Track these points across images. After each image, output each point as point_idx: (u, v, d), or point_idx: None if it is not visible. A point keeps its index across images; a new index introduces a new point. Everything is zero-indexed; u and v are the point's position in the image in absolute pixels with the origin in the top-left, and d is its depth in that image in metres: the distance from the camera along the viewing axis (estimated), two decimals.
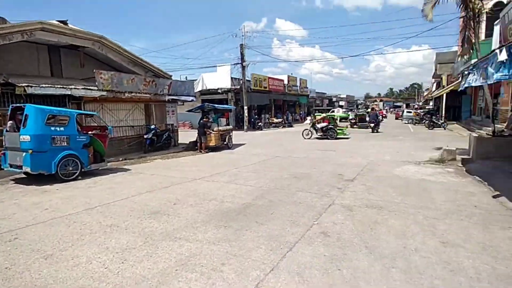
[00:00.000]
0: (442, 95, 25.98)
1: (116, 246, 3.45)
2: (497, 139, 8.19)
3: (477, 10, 12.03)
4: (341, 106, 47.55)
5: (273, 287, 2.61)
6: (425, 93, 55.63)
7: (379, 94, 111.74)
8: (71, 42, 9.91)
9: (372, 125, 18.91)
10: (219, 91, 24.12)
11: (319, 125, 15.66)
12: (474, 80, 6.05)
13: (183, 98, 13.57)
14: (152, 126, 12.03)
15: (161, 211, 4.66)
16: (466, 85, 6.78)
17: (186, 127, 24.60)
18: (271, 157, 9.96)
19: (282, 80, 30.52)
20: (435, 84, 37.88)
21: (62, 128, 6.94)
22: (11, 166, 6.86)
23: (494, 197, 5.07)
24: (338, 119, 24.91)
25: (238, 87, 23.40)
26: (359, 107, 55.26)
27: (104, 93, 9.87)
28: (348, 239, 3.52)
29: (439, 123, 20.08)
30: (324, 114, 18.11)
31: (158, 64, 14.53)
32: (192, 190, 5.97)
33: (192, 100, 14.59)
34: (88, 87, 9.51)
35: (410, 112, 29.43)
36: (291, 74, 33.89)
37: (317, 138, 15.50)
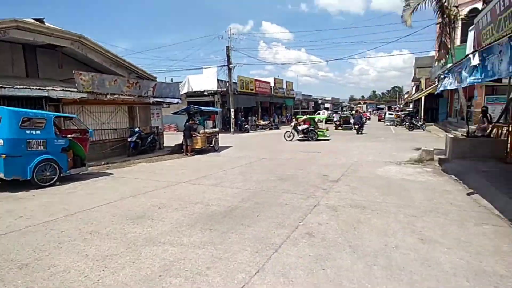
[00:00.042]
0: (421, 98, 27.03)
1: (96, 253, 3.35)
2: (471, 140, 8.61)
3: (452, 17, 12.67)
4: (326, 109, 48.52)
5: None
6: (406, 96, 57.66)
7: (362, 96, 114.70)
8: (48, 42, 9.55)
9: (356, 126, 19.38)
10: (205, 93, 23.96)
11: (300, 127, 15.86)
12: (449, 83, 6.35)
13: (168, 100, 13.37)
14: (136, 129, 11.76)
15: (145, 216, 4.56)
16: (442, 88, 7.10)
17: (171, 129, 24.24)
18: (258, 159, 9.98)
19: (269, 83, 30.72)
20: (414, 87, 39.40)
21: (38, 132, 6.66)
22: None
23: (468, 194, 5.32)
24: (324, 121, 25.39)
25: (225, 89, 23.35)
26: (344, 109, 56.47)
27: (85, 94, 9.57)
28: (332, 239, 3.59)
29: (419, 124, 20.86)
30: (305, 116, 18.38)
31: (142, 65, 14.25)
32: (177, 193, 5.88)
33: (177, 103, 14.40)
34: (67, 89, 9.19)
35: (392, 114, 30.42)
36: (278, 76, 34.24)
37: (299, 140, 15.68)
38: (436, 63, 17.25)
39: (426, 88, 25.64)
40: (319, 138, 15.45)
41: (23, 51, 9.87)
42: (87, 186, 6.76)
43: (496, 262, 2.96)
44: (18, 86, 8.01)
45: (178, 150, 12.24)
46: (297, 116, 24.50)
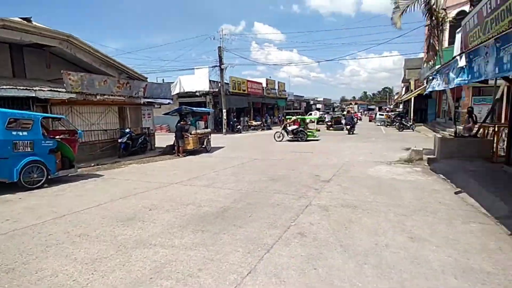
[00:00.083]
0: (411, 98, 27.54)
1: (85, 256, 3.28)
2: (458, 140, 8.81)
3: (440, 19, 12.96)
4: (318, 109, 48.90)
5: None
6: (396, 97, 58.62)
7: (354, 97, 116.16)
8: (35, 41, 9.33)
9: (348, 127, 19.58)
10: (197, 93, 23.84)
11: (290, 128, 15.94)
12: (437, 84, 6.48)
13: (159, 100, 13.24)
14: (127, 130, 11.59)
15: (136, 218, 4.50)
16: (430, 89, 7.25)
17: (163, 130, 24.00)
18: (250, 160, 9.98)
19: (261, 83, 30.77)
20: (404, 88, 40.11)
21: (25, 133, 6.50)
22: None
23: (456, 193, 5.44)
24: (315, 121, 25.58)
25: (217, 90, 23.27)
26: (336, 110, 57.07)
27: (73, 95, 9.38)
28: (324, 239, 3.61)
29: (408, 125, 21.25)
30: (294, 117, 18.48)
31: (133, 65, 14.04)
32: (168, 195, 5.83)
33: (169, 103, 14.27)
34: (55, 89, 9.00)
35: (383, 115, 30.87)
36: (270, 77, 34.30)
37: (288, 140, 15.75)
38: (425, 64, 17.63)
39: (415, 89, 26.15)
40: (308, 138, 15.55)
41: (10, 51, 9.62)
42: (76, 188, 6.62)
43: (483, 259, 3.04)
44: (4, 87, 7.79)
45: (169, 151, 12.12)
46: (286, 117, 24.60)
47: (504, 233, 3.66)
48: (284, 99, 38.19)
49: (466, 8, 15.01)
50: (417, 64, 26.44)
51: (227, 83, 23.83)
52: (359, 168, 8.02)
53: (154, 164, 9.97)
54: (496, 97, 10.69)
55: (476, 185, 5.51)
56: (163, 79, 26.38)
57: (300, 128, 15.71)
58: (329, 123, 24.29)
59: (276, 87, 34.61)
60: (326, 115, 30.48)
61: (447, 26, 14.44)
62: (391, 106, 54.11)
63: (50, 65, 10.23)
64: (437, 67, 9.07)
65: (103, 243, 3.63)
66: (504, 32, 3.27)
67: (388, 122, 26.38)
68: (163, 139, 15.37)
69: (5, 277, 2.87)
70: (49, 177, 6.79)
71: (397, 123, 21.92)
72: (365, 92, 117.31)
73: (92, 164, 9.51)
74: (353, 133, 19.13)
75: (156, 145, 13.67)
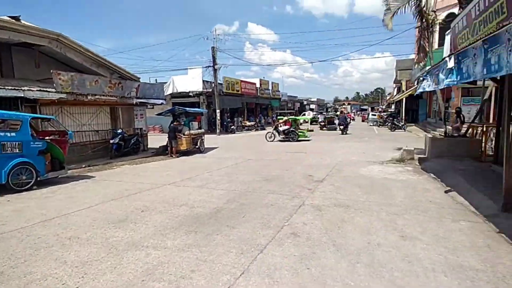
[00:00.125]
0: (402, 99, 27.92)
1: (75, 259, 3.22)
2: (448, 140, 8.98)
3: (431, 21, 13.18)
4: (312, 109, 49.17)
5: None
6: (388, 97, 59.41)
7: (347, 97, 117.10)
8: (24, 40, 9.12)
9: (341, 127, 19.74)
10: (191, 94, 23.69)
11: (281, 128, 16.00)
12: (428, 85, 6.59)
13: (152, 101, 13.12)
14: (119, 131, 11.44)
15: (128, 220, 4.44)
16: (421, 90, 7.36)
17: (156, 131, 23.79)
18: (244, 160, 9.96)
19: (255, 84, 30.77)
20: (396, 89, 40.62)
21: (13, 134, 6.36)
22: None
23: (446, 192, 5.54)
24: (309, 121, 25.68)
25: (210, 90, 23.17)
26: (329, 110, 57.50)
27: (63, 95, 9.22)
28: (317, 238, 3.63)
29: (400, 125, 21.54)
30: (285, 117, 18.54)
31: (125, 65, 13.87)
32: (161, 196, 5.77)
33: (162, 103, 14.16)
34: (45, 89, 8.83)
35: (375, 115, 31.23)
36: (263, 77, 34.37)
37: (280, 140, 15.79)
38: (416, 65, 17.91)
39: (406, 90, 26.51)
40: (299, 138, 15.62)
41: None
42: (66, 190, 6.50)
43: (472, 256, 3.09)
44: None
45: (162, 151, 12.02)
46: (278, 117, 24.71)
47: (493, 231, 3.74)
48: (278, 99, 38.27)
49: (455, 10, 15.30)
50: (408, 65, 26.79)
51: (221, 84, 23.75)
52: (352, 168, 8.09)
53: (147, 165, 9.87)
54: (485, 98, 10.94)
55: (465, 184, 5.62)
56: (156, 79, 26.17)
57: (291, 129, 15.77)
58: (323, 123, 24.45)
59: (270, 88, 34.66)
60: (319, 115, 30.67)
61: (437, 28, 14.69)
62: (384, 107, 54.81)
63: (40, 65, 10.03)
64: (427, 68, 9.22)
65: (93, 245, 3.57)
66: (492, 34, 3.34)
67: (380, 122, 26.70)
68: (156, 139, 15.22)
69: None
70: (39, 179, 6.65)
71: (389, 123, 22.20)
72: (358, 93, 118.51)
73: (83, 166, 9.36)
74: (346, 133, 19.28)
75: (149, 146, 13.54)
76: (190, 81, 23.66)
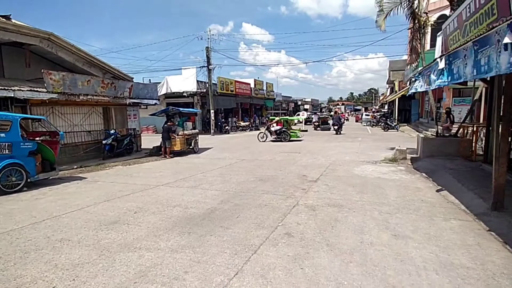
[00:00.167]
0: (395, 99, 28.26)
1: (66, 262, 3.17)
2: (440, 139, 9.11)
3: (423, 22, 13.39)
4: (306, 110, 49.38)
5: None
6: (381, 98, 59.99)
7: (341, 98, 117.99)
8: (14, 39, 8.96)
9: (335, 127, 19.87)
10: (185, 94, 23.57)
11: (273, 128, 16.05)
12: (420, 86, 6.67)
13: (145, 101, 13.01)
14: (112, 131, 11.31)
15: (120, 221, 4.39)
16: (413, 90, 7.45)
17: (149, 131, 23.60)
18: (238, 161, 9.95)
19: (249, 84, 30.78)
20: (389, 89, 41.07)
21: (2, 134, 6.23)
22: None
23: (437, 191, 5.62)
24: (303, 121, 25.78)
25: (204, 90, 23.10)
26: (323, 110, 57.85)
27: (54, 95, 9.08)
28: (310, 238, 3.64)
29: (393, 125, 21.80)
30: (277, 118, 18.60)
31: (118, 65, 13.77)
32: (154, 197, 5.72)
33: (155, 104, 14.05)
34: (35, 89, 8.67)
35: (369, 115, 31.54)
36: (258, 78, 34.41)
37: (272, 140, 15.82)
38: (408, 66, 18.13)
39: (399, 90, 26.83)
40: (291, 139, 15.68)
41: None
42: (57, 191, 6.40)
43: (463, 255, 3.14)
44: None
45: (156, 152, 11.93)
46: (270, 118, 24.82)
47: (482, 229, 3.80)
48: (272, 99, 38.34)
49: (447, 12, 15.54)
50: (401, 66, 27.13)
51: (215, 84, 23.69)
52: (345, 168, 8.15)
53: (140, 165, 9.77)
54: (475, 98, 11.13)
55: (456, 183, 5.70)
56: (149, 79, 25.98)
57: (283, 129, 15.82)
58: (317, 124, 24.57)
59: (264, 88, 34.71)
60: (313, 116, 30.82)
61: (429, 29, 14.94)
62: (377, 107, 55.34)
63: (30, 64, 9.85)
64: (419, 69, 9.35)
65: (85, 247, 3.52)
66: (482, 35, 3.39)
67: (374, 123, 26.96)
68: (150, 140, 15.10)
69: None
70: (29, 180, 6.53)
71: (383, 123, 22.44)
72: (351, 93, 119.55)
73: (75, 167, 9.22)
74: (340, 133, 19.42)
75: (142, 147, 13.42)
76: (184, 81, 23.54)
